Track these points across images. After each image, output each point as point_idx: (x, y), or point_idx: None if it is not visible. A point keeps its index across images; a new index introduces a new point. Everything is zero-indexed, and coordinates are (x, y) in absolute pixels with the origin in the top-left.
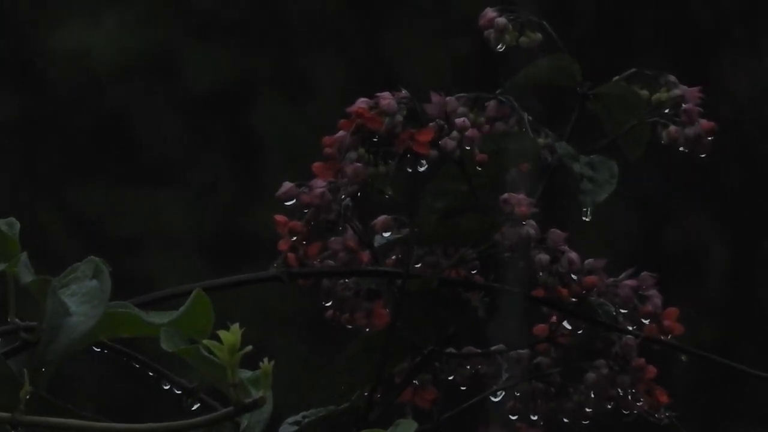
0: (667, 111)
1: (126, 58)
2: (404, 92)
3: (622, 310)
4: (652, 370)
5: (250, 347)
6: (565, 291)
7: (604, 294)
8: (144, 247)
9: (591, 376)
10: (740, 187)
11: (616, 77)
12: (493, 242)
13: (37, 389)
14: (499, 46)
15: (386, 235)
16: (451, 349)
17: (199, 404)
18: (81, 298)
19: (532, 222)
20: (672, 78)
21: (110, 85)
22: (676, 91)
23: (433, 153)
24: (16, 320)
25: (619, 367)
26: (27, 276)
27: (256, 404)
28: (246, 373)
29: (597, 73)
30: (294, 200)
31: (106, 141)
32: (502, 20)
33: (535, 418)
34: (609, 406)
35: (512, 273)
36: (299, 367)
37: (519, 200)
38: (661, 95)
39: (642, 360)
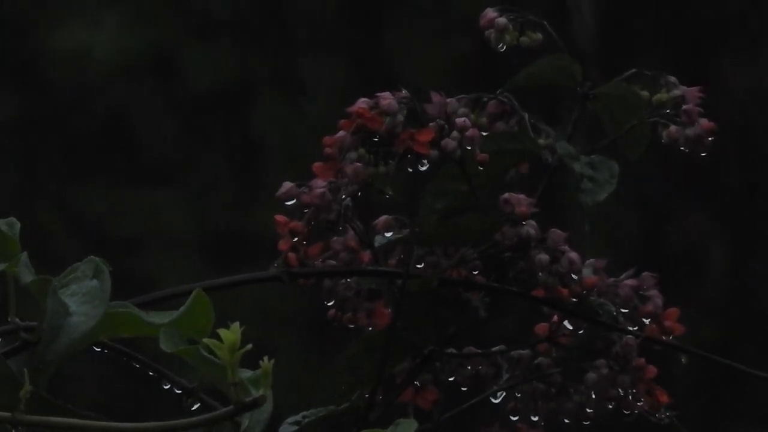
0: (667, 111)
1: (126, 58)
2: (404, 92)
3: (623, 310)
4: (652, 370)
5: (250, 346)
6: (565, 291)
7: (604, 294)
8: (144, 247)
9: (591, 376)
10: (740, 187)
11: (617, 77)
12: (494, 242)
13: (37, 389)
14: (499, 46)
15: (387, 235)
16: (452, 350)
17: (199, 404)
18: (81, 298)
19: (532, 222)
20: (672, 78)
21: (110, 85)
22: (677, 92)
23: (434, 153)
24: (16, 320)
25: (619, 367)
26: (27, 276)
27: (256, 403)
28: (246, 373)
29: (597, 73)
30: (294, 200)
31: (106, 141)
32: (502, 20)
33: (536, 418)
34: (609, 406)
35: (512, 273)
36: (299, 367)
37: (519, 200)
38: (662, 95)
39: (642, 360)
